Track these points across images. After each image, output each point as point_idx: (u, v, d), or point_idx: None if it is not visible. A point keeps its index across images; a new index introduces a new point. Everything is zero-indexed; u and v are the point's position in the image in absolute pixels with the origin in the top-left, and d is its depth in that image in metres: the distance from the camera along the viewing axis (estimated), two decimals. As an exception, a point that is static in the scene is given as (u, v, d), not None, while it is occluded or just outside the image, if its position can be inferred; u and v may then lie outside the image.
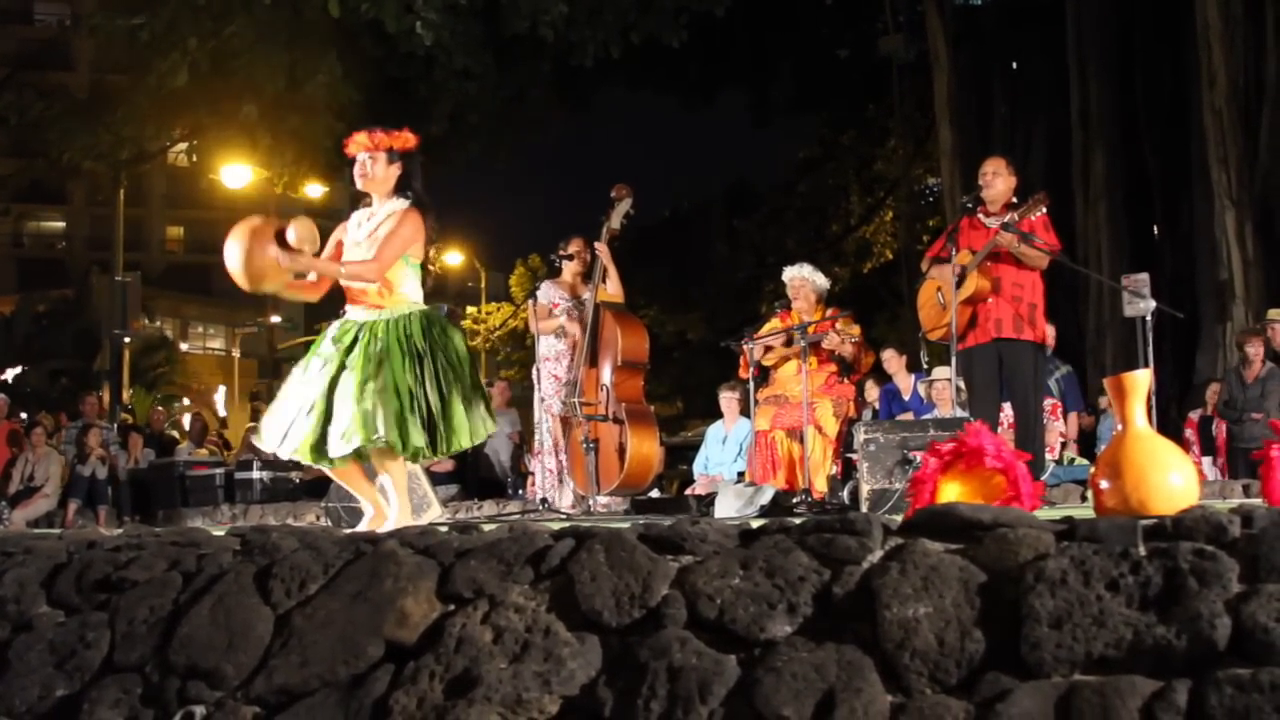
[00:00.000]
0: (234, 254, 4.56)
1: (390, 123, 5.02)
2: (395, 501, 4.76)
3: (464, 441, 4.72)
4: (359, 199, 5.05)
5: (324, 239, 5.00)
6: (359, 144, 4.91)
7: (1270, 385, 10.12)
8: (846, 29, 22.27)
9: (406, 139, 4.96)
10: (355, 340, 4.72)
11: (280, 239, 4.62)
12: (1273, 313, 10.81)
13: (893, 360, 10.53)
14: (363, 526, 4.76)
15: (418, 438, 4.57)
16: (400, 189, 4.92)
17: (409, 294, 4.84)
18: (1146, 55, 16.48)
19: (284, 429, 4.72)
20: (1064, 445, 10.47)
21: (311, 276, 4.93)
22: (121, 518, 12.49)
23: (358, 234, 4.91)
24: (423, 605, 2.91)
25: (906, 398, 10.26)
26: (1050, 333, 10.15)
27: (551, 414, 7.68)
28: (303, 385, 4.75)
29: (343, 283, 4.89)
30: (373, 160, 4.89)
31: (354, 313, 4.84)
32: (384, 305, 4.77)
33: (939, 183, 21.05)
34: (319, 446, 4.65)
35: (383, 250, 4.75)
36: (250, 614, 3.03)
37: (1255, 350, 10.24)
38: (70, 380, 30.42)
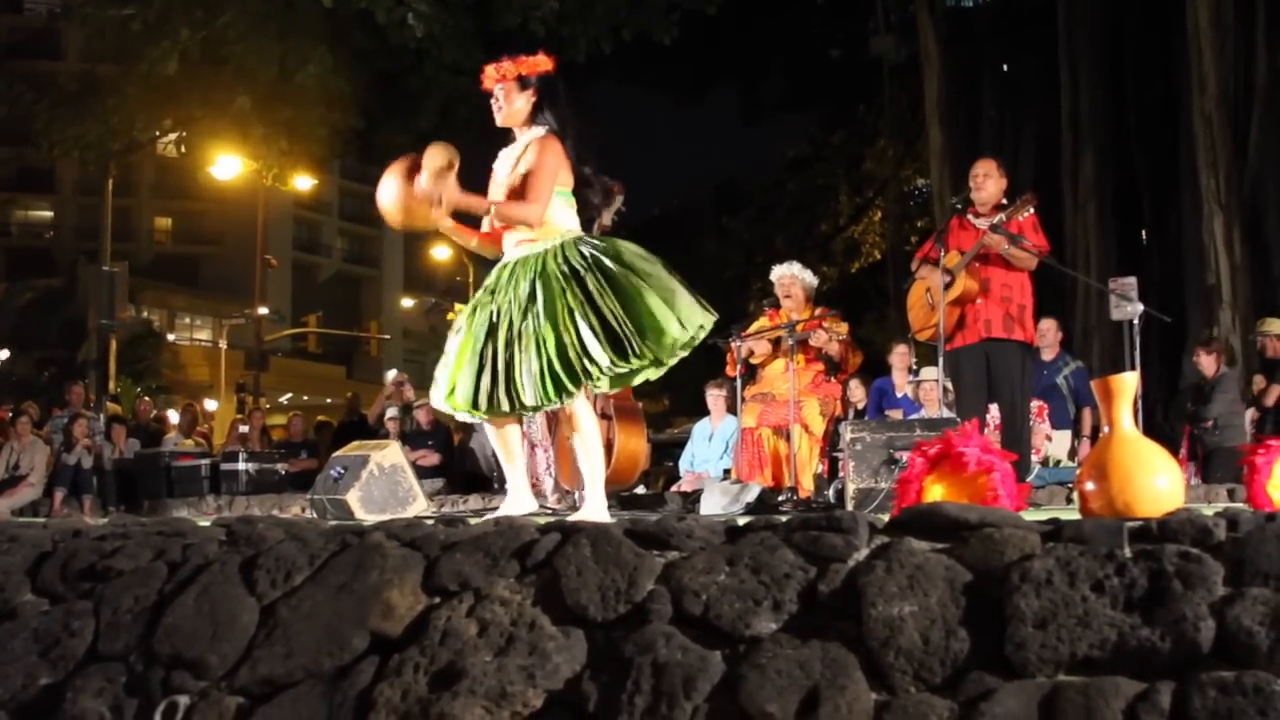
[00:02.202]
0: (386, 191, 4.48)
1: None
2: (587, 480, 4.49)
3: (669, 339, 4.32)
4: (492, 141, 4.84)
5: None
6: (488, 77, 4.73)
7: (1218, 390, 10.15)
8: (838, 29, 22.28)
9: (536, 63, 4.72)
10: (508, 284, 4.56)
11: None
12: (1271, 323, 10.72)
13: (903, 356, 10.23)
14: (502, 510, 4.60)
15: (575, 379, 4.30)
16: (536, 116, 4.71)
17: (562, 223, 4.63)
18: (1137, 59, 16.52)
19: (444, 382, 4.60)
20: (1073, 445, 10.45)
21: (484, 225, 4.78)
22: (107, 507, 12.46)
23: (502, 172, 4.74)
24: (408, 598, 2.91)
25: (899, 395, 10.20)
26: (1057, 334, 10.15)
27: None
28: (459, 337, 4.62)
29: (497, 224, 4.71)
30: (504, 91, 4.70)
31: (509, 252, 4.67)
32: (537, 239, 4.57)
33: (928, 183, 21.07)
34: (474, 400, 4.50)
35: (537, 191, 4.54)
36: (235, 604, 3.02)
37: (1207, 363, 10.30)
38: (57, 370, 30.33)
